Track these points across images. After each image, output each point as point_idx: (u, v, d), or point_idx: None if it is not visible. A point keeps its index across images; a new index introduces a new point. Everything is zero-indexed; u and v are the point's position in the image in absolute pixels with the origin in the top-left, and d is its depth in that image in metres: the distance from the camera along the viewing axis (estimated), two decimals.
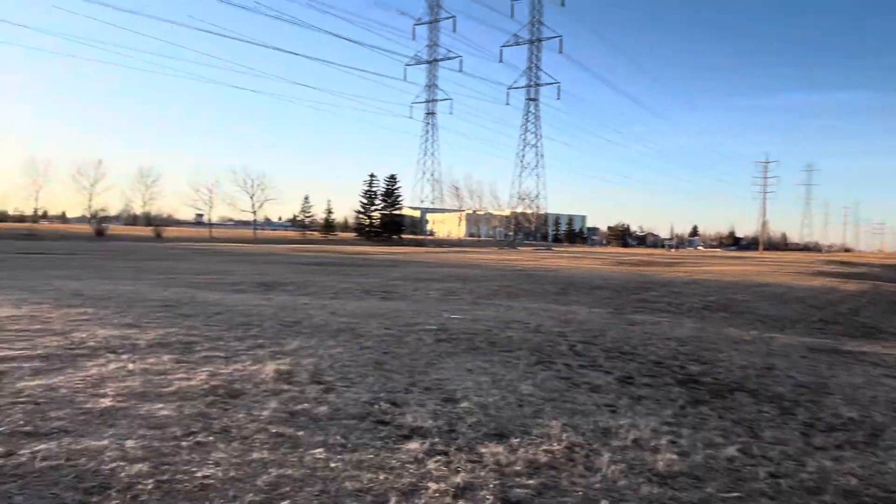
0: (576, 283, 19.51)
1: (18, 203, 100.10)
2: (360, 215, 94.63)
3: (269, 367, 5.28)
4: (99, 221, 75.96)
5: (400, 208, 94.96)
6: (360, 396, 4.74)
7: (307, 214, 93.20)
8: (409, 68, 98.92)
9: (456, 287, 16.64)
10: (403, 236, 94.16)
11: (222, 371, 5.06)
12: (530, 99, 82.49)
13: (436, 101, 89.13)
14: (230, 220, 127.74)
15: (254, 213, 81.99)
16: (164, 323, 7.11)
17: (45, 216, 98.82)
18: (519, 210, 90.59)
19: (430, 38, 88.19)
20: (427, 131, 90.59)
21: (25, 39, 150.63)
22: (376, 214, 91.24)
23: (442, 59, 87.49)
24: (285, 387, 4.76)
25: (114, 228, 76.45)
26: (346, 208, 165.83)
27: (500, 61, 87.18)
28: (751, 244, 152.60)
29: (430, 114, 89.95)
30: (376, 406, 4.55)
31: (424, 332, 7.93)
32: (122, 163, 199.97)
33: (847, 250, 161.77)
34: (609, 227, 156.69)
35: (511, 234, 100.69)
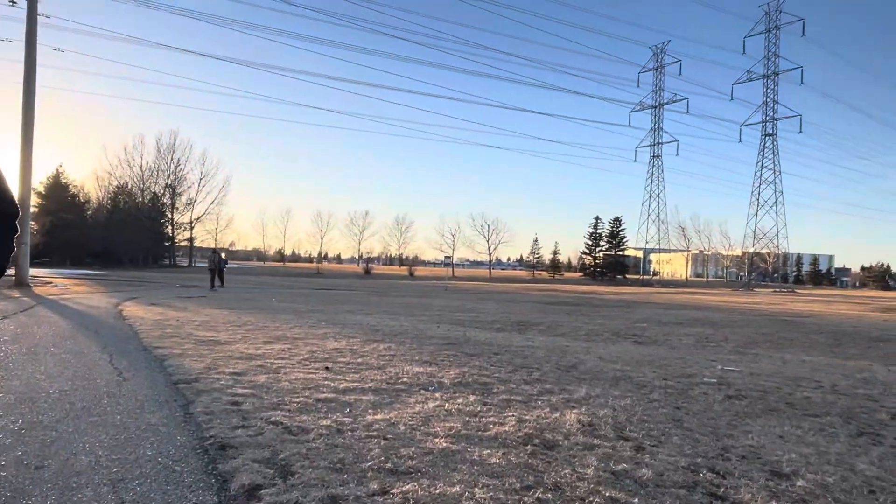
0: (848, 333, 16.60)
1: (308, 247, 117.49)
2: (585, 256, 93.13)
3: (570, 416, 4.99)
4: (366, 262, 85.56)
5: (624, 249, 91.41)
6: (676, 460, 4.19)
7: (536, 255, 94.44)
8: (634, 114, 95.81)
9: (708, 333, 15.11)
10: (628, 276, 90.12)
11: (527, 417, 4.89)
12: (767, 134, 73.82)
13: (661, 143, 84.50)
14: (467, 260, 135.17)
15: (489, 254, 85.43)
16: (455, 362, 7.29)
17: (325, 257, 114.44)
18: (754, 249, 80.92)
19: (656, 84, 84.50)
20: (652, 173, 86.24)
21: (338, 121, 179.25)
22: (601, 255, 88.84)
23: (668, 103, 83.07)
24: (595, 441, 4.40)
25: (376, 268, 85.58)
26: (571, 249, 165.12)
27: (732, 99, 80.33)
28: None
29: (656, 156, 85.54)
30: (700, 475, 3.96)
31: (706, 385, 7.06)
32: (384, 213, 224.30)
33: None
34: (863, 268, 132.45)
35: (744, 274, 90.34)
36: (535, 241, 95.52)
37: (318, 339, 8.88)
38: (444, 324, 13.46)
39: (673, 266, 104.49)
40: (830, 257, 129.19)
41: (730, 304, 34.56)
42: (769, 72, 72.78)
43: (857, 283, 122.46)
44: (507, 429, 4.49)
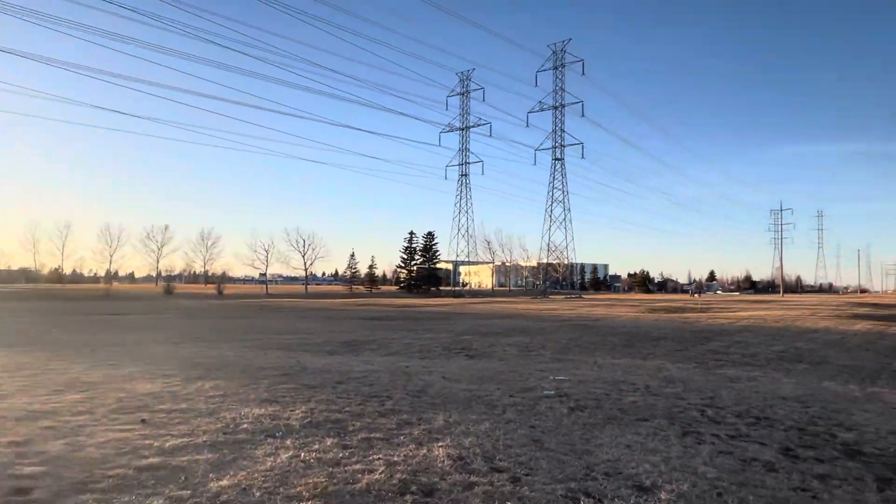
0: (636, 335, 18.74)
1: (93, 265, 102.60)
2: (401, 269, 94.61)
3: (439, 452, 4.64)
4: (167, 280, 77.09)
5: (436, 262, 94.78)
6: (553, 488, 4.07)
7: (353, 269, 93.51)
8: (444, 135, 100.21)
9: (526, 342, 15.99)
10: (441, 288, 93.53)
11: (395, 459, 4.44)
12: (556, 159, 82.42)
13: (468, 163, 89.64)
14: (280, 275, 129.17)
15: (305, 269, 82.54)
16: (298, 397, 6.54)
17: (116, 276, 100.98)
18: (548, 260, 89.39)
19: (462, 108, 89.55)
20: (461, 191, 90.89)
21: (112, 122, 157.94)
22: (415, 268, 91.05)
23: (473, 126, 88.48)
24: (471, 478, 4.11)
25: (179, 286, 77.52)
26: (386, 263, 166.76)
27: (528, 125, 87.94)
28: (767, 287, 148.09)
29: (464, 175, 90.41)
30: (580, 502, 3.86)
31: (548, 399, 7.23)
32: (187, 227, 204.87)
33: (863, 291, 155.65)
34: (629, 274, 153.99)
35: (540, 283, 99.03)
36: (352, 255, 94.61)
37: (123, 381, 7.40)
38: (271, 349, 12.35)
39: (480, 277, 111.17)
40: (605, 266, 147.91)
41: (534, 311, 37.41)
42: (557, 103, 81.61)
43: (626, 288, 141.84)
44: (377, 477, 3.99)
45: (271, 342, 14.36)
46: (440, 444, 4.88)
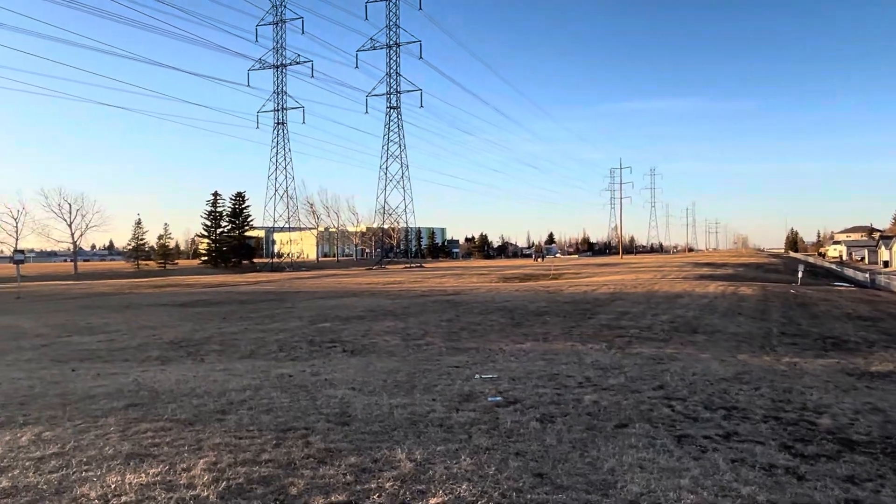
0: (515, 311, 19.22)
1: None
2: (203, 239, 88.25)
3: None
4: None
5: (248, 229, 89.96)
6: None
7: (139, 240, 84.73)
8: (254, 73, 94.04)
9: (401, 327, 15.54)
10: (255, 260, 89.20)
11: None
12: (392, 107, 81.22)
13: (285, 109, 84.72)
14: (32, 250, 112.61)
15: (74, 243, 72.93)
16: (179, 443, 5.17)
17: None
18: (383, 225, 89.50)
19: (276, 40, 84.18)
20: (277, 143, 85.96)
21: None
22: (222, 237, 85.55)
23: (290, 64, 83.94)
24: None
25: None
26: (182, 232, 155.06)
27: (357, 66, 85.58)
28: (604, 249, 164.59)
29: (280, 123, 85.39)
30: None
31: (503, 409, 6.67)
32: None
33: (690, 249, 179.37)
34: (467, 239, 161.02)
35: (372, 252, 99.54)
36: (139, 222, 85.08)
37: None
38: (75, 362, 10.25)
39: (301, 246, 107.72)
40: (443, 230, 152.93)
41: (379, 286, 37.14)
42: (391, 41, 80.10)
43: (465, 253, 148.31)
44: None
45: (66, 350, 12.05)
46: (436, 501, 4.02)
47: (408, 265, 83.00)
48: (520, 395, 7.36)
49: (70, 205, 71.62)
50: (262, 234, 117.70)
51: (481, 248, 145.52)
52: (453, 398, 7.13)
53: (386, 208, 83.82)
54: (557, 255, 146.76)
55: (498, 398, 7.13)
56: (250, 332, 15.03)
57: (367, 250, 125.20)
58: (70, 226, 71.39)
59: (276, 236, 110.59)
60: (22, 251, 38.18)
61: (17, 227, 67.89)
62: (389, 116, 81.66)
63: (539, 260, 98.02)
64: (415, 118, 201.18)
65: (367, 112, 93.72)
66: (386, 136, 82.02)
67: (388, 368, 9.36)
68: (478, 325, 15.80)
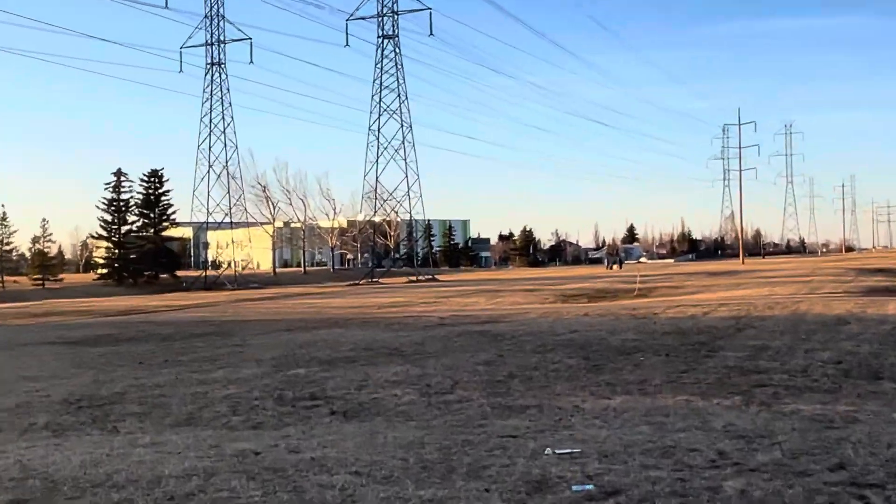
0: (587, 347, 19.43)
1: None
2: (102, 242, 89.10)
3: None
4: None
5: (168, 226, 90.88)
6: None
7: (4, 247, 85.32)
8: None
9: (416, 374, 15.70)
10: (180, 273, 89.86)
11: None
12: (385, 36, 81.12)
13: (223, 42, 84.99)
14: None
15: None
16: None
17: None
18: (376, 217, 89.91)
19: None
20: (211, 95, 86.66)
21: None
22: (129, 238, 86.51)
23: None
24: None
25: None
26: (74, 232, 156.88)
27: None
28: (713, 250, 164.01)
29: (215, 64, 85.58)
30: None
31: None
32: None
33: (849, 249, 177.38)
34: (502, 237, 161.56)
35: (354, 257, 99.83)
36: (2, 218, 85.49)
37: None
38: None
39: (250, 251, 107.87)
40: (465, 224, 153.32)
41: (373, 311, 37.56)
42: None
43: (500, 259, 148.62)
44: None
45: None
46: None
47: (415, 277, 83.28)
48: (621, 481, 7.22)
49: None
50: (188, 232, 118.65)
51: (524, 249, 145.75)
52: (517, 488, 7.02)
53: (378, 191, 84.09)
54: (642, 258, 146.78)
55: (588, 487, 6.99)
56: (184, 383, 15.15)
57: (351, 256, 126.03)
58: None
59: (211, 236, 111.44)
60: None
61: None
62: (382, 50, 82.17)
63: (614, 267, 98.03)
64: (421, 53, 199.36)
65: (347, 44, 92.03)
66: (377, 82, 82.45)
67: (406, 440, 9.30)
68: (534, 371, 15.78)
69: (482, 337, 22.46)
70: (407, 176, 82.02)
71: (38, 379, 16.52)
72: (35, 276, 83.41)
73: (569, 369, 15.87)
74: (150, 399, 13.33)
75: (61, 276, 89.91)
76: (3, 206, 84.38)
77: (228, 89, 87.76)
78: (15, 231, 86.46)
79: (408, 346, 20.59)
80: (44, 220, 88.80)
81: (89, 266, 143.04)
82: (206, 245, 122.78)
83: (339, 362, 17.88)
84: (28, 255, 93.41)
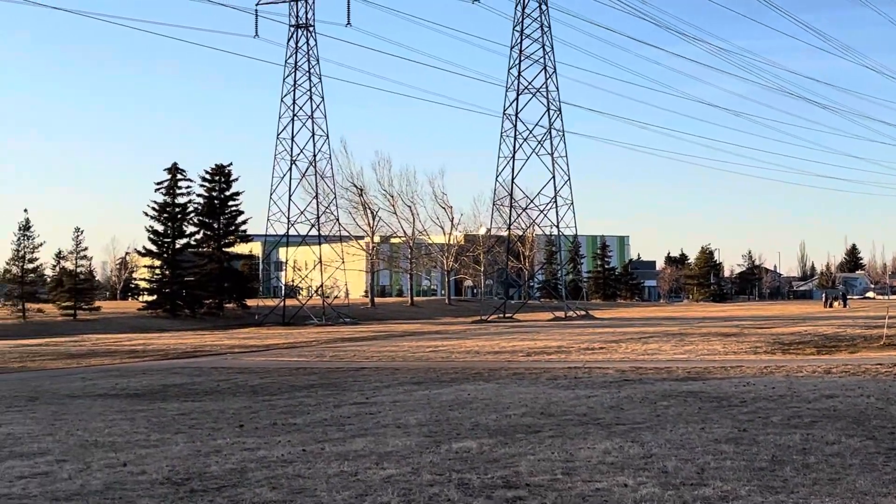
0: (867, 423, 18.78)
1: None
2: (151, 260, 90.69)
3: None
4: None
5: (235, 241, 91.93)
6: None
7: (30, 265, 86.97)
8: None
9: (627, 455, 15.10)
10: (249, 302, 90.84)
11: None
12: None
13: (312, 6, 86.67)
14: None
15: None
16: None
17: None
18: (508, 230, 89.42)
19: None
20: (295, 63, 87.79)
21: None
22: (189, 257, 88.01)
23: None
24: None
25: None
26: (110, 245, 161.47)
27: None
28: None
29: (301, 27, 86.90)
30: None
31: None
32: None
33: None
34: (671, 259, 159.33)
35: (498, 285, 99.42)
36: (26, 228, 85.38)
37: None
38: None
39: (342, 275, 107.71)
40: (622, 240, 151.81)
41: (519, 358, 37.66)
42: None
43: (671, 291, 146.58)
44: None
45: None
46: None
47: (563, 313, 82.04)
48: None
49: None
50: (256, 248, 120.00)
51: (703, 277, 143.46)
52: None
53: (515, 196, 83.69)
54: (870, 293, 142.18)
55: None
56: (319, 458, 14.90)
57: (469, 283, 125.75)
58: None
59: (285, 254, 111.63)
60: None
61: None
62: (524, 8, 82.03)
63: (835, 304, 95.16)
64: (569, 12, 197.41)
65: (474, 1, 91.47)
66: (516, 49, 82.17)
67: None
68: (805, 455, 14.96)
69: (698, 401, 22.06)
70: (554, 176, 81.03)
71: (114, 447, 16.50)
72: (65, 304, 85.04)
73: (855, 453, 14.96)
74: (283, 481, 12.99)
75: (97, 303, 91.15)
76: (26, 212, 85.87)
77: (318, 60, 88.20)
78: (42, 244, 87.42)
79: (601, 412, 20.38)
80: (77, 230, 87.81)
81: (127, 290, 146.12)
82: (282, 266, 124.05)
83: (515, 432, 17.48)
84: (53, 274, 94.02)
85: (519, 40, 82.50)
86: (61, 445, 16.79)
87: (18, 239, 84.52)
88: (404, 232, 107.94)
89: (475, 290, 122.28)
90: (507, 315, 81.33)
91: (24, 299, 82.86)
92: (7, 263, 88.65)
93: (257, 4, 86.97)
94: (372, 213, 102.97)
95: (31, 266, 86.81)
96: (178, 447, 16.28)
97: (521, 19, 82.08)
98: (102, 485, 12.90)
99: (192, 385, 28.68)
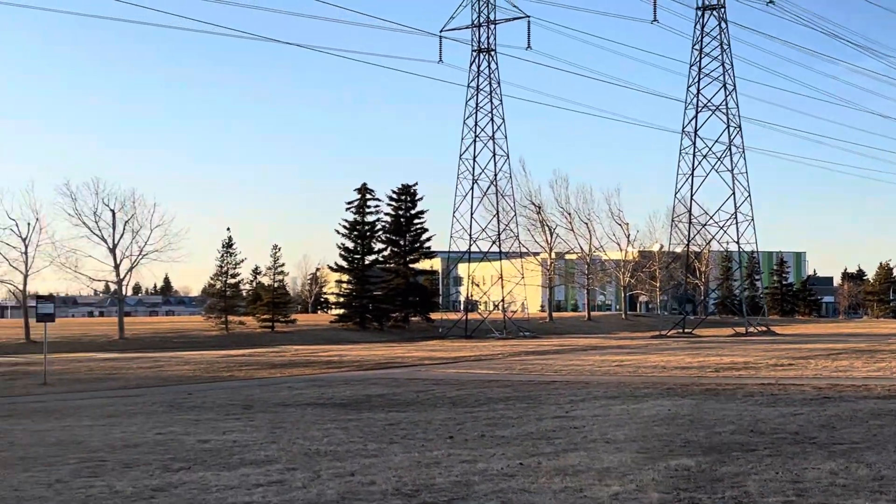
0: None
1: None
2: (342, 275, 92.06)
3: None
4: None
5: (419, 257, 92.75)
6: None
7: (231, 280, 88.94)
8: None
9: (871, 478, 14.29)
10: (433, 316, 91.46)
11: None
12: (706, 7, 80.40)
13: (494, 23, 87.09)
14: (51, 296, 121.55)
15: (119, 282, 79.48)
16: None
17: None
18: (687, 247, 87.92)
19: None
20: (478, 86, 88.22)
21: None
22: (378, 272, 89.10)
23: None
24: None
25: None
26: (301, 262, 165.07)
27: None
28: None
29: (484, 51, 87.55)
30: None
31: None
32: None
33: None
34: (848, 275, 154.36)
35: (676, 300, 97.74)
36: (229, 245, 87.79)
37: None
38: None
39: (521, 291, 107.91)
40: (799, 256, 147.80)
41: (709, 374, 36.56)
42: None
43: (849, 306, 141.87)
44: None
45: None
46: None
47: (743, 329, 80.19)
48: None
49: (113, 212, 77.63)
50: (436, 264, 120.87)
51: (883, 293, 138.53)
52: None
53: (693, 213, 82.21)
54: None
55: None
56: (538, 473, 14.52)
57: (644, 298, 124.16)
58: (113, 251, 77.54)
59: (468, 269, 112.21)
60: (50, 298, 41.80)
61: (26, 252, 74.10)
62: (703, 25, 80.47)
63: None
64: (752, 30, 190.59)
65: (654, 20, 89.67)
66: (695, 67, 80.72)
67: None
68: None
69: None
70: (734, 193, 79.30)
71: (337, 456, 16.59)
72: (263, 317, 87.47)
73: None
74: (511, 496, 12.63)
75: (293, 316, 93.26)
76: (228, 230, 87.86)
77: (499, 82, 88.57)
78: (243, 260, 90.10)
79: (813, 430, 19.58)
80: (275, 247, 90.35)
81: (318, 304, 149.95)
82: (458, 280, 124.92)
83: (730, 450, 16.81)
84: (250, 288, 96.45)
85: (698, 59, 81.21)
86: (286, 454, 17.06)
87: (222, 255, 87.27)
88: (581, 248, 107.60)
89: (650, 306, 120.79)
90: (685, 330, 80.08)
91: (227, 312, 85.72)
92: (211, 279, 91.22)
93: (441, 31, 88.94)
94: (550, 230, 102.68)
95: (232, 281, 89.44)
96: (397, 458, 16.29)
97: (700, 38, 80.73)
98: (337, 494, 12.88)
99: (393, 396, 28.89)
